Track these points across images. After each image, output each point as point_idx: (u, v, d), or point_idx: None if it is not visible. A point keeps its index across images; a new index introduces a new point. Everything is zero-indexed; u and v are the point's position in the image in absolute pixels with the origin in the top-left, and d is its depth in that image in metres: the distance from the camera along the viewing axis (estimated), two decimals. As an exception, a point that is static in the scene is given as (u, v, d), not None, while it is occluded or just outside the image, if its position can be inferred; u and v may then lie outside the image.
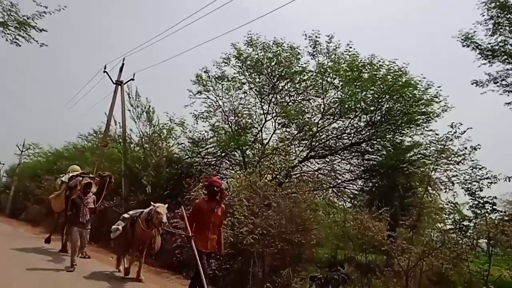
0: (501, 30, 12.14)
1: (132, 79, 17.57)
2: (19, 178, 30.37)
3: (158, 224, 7.86)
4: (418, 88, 13.25)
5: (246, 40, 14.76)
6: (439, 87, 13.18)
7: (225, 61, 15.37)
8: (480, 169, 8.36)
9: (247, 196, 9.88)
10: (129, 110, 15.61)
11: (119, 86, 18.08)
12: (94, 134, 22.03)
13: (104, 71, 18.69)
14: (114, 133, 17.81)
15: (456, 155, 9.11)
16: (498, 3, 11.82)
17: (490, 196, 8.07)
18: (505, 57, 12.33)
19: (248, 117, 15.29)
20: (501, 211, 8.32)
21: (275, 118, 15.11)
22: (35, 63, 73.45)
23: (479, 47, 12.58)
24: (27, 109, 71.18)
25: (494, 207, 8.06)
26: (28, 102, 73.06)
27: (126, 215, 9.10)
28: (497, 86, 12.74)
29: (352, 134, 14.51)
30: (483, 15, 12.14)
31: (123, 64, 18.50)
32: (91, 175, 11.59)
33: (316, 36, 14.09)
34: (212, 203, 6.07)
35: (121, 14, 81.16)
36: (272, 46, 14.67)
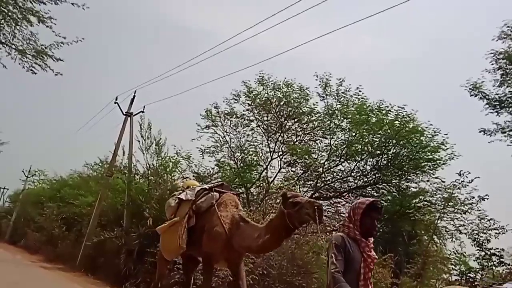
0: (509, 82, 12.25)
1: (142, 111, 17.77)
2: (21, 204, 30.30)
3: None
4: (425, 135, 13.28)
5: (257, 79, 15.04)
6: (445, 134, 13.21)
7: (235, 97, 15.61)
8: (489, 220, 8.20)
9: (249, 235, 9.72)
10: (138, 141, 15.70)
11: (129, 118, 18.29)
12: (100, 164, 22.10)
13: (115, 102, 18.97)
14: (120, 163, 17.86)
15: (463, 204, 8.97)
16: (506, 55, 12.00)
17: (497, 248, 7.90)
18: (513, 108, 12.37)
19: (254, 154, 15.32)
20: (508, 264, 8.10)
21: (281, 156, 15.13)
22: (46, 89, 74.90)
23: (487, 97, 12.65)
24: (36, 136, 71.85)
25: (501, 259, 7.86)
26: (37, 128, 73.81)
27: None
28: (505, 136, 12.71)
29: (358, 177, 14.42)
30: (492, 63, 12.29)
31: (134, 96, 18.80)
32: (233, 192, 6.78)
33: (326, 79, 14.32)
34: None
35: (134, 46, 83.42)
36: (282, 86, 14.90)
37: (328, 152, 14.47)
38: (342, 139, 14.39)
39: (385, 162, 13.84)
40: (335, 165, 14.54)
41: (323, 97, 14.54)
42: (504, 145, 12.56)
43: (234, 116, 15.61)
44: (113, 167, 17.42)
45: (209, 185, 6.42)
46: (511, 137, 12.63)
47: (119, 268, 11.94)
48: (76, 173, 24.39)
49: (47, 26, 11.37)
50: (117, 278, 11.77)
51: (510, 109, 12.44)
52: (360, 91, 13.94)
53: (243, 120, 15.59)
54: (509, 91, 12.35)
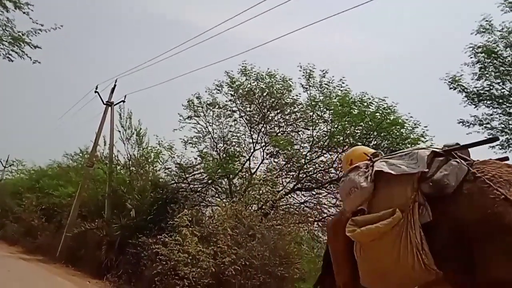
0: (487, 75, 12.51)
1: (123, 101, 17.58)
2: (-1, 195, 29.74)
3: None
4: (405, 127, 13.43)
5: (240, 69, 14.96)
6: (425, 126, 13.39)
7: (218, 88, 15.50)
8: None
9: (231, 225, 9.78)
10: (119, 131, 15.54)
11: (110, 107, 18.05)
12: (80, 154, 21.81)
13: (96, 92, 18.69)
14: (101, 153, 17.65)
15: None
16: (484, 49, 12.24)
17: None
18: (490, 101, 12.67)
19: (237, 145, 15.32)
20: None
21: (263, 147, 15.14)
22: (24, 78, 73.03)
23: (465, 90, 12.91)
24: (14, 125, 70.21)
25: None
26: (15, 117, 72.08)
27: None
28: (482, 128, 13.02)
29: (340, 168, 14.53)
30: (471, 57, 12.53)
31: (115, 85, 18.54)
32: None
33: (310, 70, 14.32)
34: None
35: (115, 35, 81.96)
36: (265, 77, 14.87)
37: (310, 143, 14.52)
38: (324, 131, 14.44)
39: (366, 153, 13.97)
40: (317, 156, 14.61)
41: (306, 88, 14.56)
42: (482, 137, 12.88)
43: (217, 107, 15.53)
44: (93, 158, 17.25)
45: (440, 148, 2.90)
46: (488, 129, 12.96)
47: (101, 260, 11.90)
48: (56, 163, 24.06)
49: (24, 13, 11.10)
50: (99, 270, 11.73)
51: (488, 102, 12.73)
52: (343, 82, 13.99)
53: (225, 110, 15.52)
54: (487, 84, 12.63)
